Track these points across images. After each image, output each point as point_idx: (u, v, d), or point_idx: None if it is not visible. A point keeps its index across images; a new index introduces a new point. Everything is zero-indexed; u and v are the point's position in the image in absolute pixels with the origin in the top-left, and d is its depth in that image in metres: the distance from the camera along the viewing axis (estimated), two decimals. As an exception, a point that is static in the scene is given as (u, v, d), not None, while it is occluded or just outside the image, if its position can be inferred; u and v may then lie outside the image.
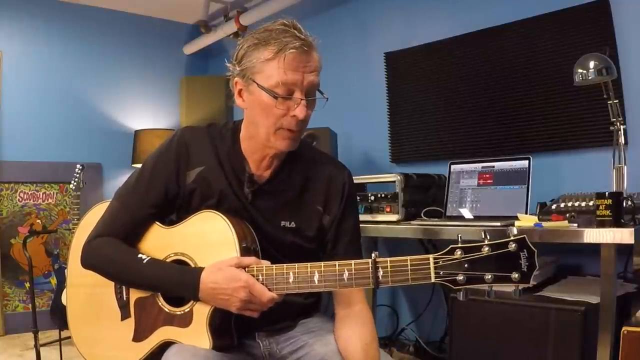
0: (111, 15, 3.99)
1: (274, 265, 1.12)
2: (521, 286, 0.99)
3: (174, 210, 1.28)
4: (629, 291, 1.84)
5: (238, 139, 1.28)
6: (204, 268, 1.15)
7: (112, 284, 1.28)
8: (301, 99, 1.15)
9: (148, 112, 4.14)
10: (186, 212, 1.26)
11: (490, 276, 0.99)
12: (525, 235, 0.99)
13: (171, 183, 1.25)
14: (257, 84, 1.15)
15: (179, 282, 1.16)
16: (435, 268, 1.01)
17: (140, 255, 1.20)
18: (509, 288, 1.01)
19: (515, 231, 1.00)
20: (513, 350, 1.78)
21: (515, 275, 0.97)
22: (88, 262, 1.25)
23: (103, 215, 1.28)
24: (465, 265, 1.00)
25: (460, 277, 1.00)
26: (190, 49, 4.22)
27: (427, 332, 2.83)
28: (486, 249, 0.99)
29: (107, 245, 1.23)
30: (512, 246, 0.98)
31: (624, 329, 1.51)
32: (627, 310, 1.67)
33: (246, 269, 1.13)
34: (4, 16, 3.59)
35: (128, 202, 1.26)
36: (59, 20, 3.78)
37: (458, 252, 1.01)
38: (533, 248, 0.98)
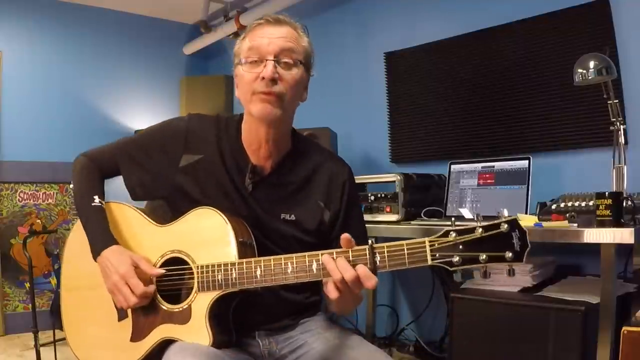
0: (111, 15, 3.99)
1: (271, 257, 1.13)
2: (515, 265, 1.01)
3: (156, 188, 1.32)
4: (629, 291, 1.83)
5: (240, 130, 1.30)
6: (116, 244, 1.24)
7: None
8: (267, 59, 1.18)
9: (148, 112, 4.14)
10: (181, 200, 1.27)
11: (484, 256, 1.00)
12: (515, 217, 1.01)
13: (157, 159, 1.30)
14: (239, 64, 1.24)
15: (93, 240, 1.26)
16: (431, 251, 1.03)
17: (94, 197, 1.30)
18: (502, 267, 1.02)
19: (506, 213, 1.02)
20: (513, 350, 1.77)
21: (508, 254, 0.99)
22: (72, 175, 1.37)
23: (105, 147, 1.39)
24: (460, 247, 1.02)
25: (455, 259, 1.01)
26: (190, 49, 4.22)
27: (427, 332, 2.83)
28: (479, 230, 1.01)
29: (85, 169, 1.36)
30: (504, 227, 1.00)
31: (624, 329, 1.50)
32: (627, 310, 1.67)
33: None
34: (4, 16, 3.59)
35: (118, 157, 1.35)
36: (59, 20, 3.79)
37: (452, 235, 1.02)
38: (524, 228, 1.00)
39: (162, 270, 1.21)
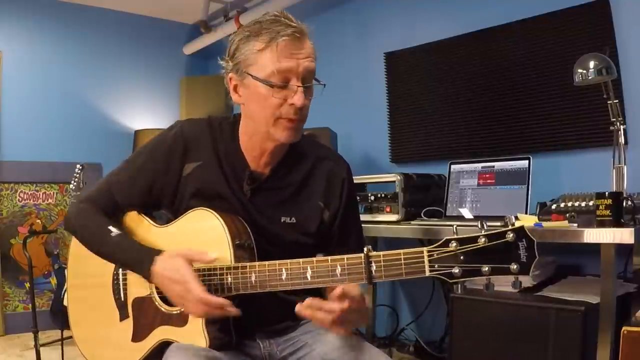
0: (111, 15, 3.99)
1: (266, 262, 1.11)
2: (520, 277, 0.95)
3: (160, 204, 1.28)
4: (629, 291, 1.83)
5: (237, 134, 1.27)
6: (157, 255, 1.15)
7: (110, 284, 1.28)
8: (298, 86, 1.13)
9: (148, 112, 4.14)
10: (185, 208, 1.25)
11: (487, 268, 0.95)
12: (524, 224, 0.95)
13: (158, 178, 1.25)
14: (251, 76, 1.15)
15: (135, 268, 1.18)
16: (430, 261, 0.98)
17: (110, 227, 1.20)
18: (508, 280, 0.97)
19: (513, 220, 0.96)
20: (513, 350, 1.77)
21: (514, 266, 0.93)
22: (69, 226, 1.28)
23: (95, 185, 1.30)
24: (461, 258, 0.96)
25: (455, 270, 0.96)
26: (190, 49, 4.22)
27: (427, 332, 2.83)
28: (482, 239, 0.95)
29: (86, 212, 1.25)
30: (510, 236, 0.94)
31: (624, 329, 1.51)
32: (627, 310, 1.67)
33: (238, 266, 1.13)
34: (4, 16, 3.59)
35: (113, 188, 1.27)
36: (59, 20, 3.79)
37: (453, 244, 0.97)
38: (532, 237, 0.93)
39: (214, 256, 1.13)
